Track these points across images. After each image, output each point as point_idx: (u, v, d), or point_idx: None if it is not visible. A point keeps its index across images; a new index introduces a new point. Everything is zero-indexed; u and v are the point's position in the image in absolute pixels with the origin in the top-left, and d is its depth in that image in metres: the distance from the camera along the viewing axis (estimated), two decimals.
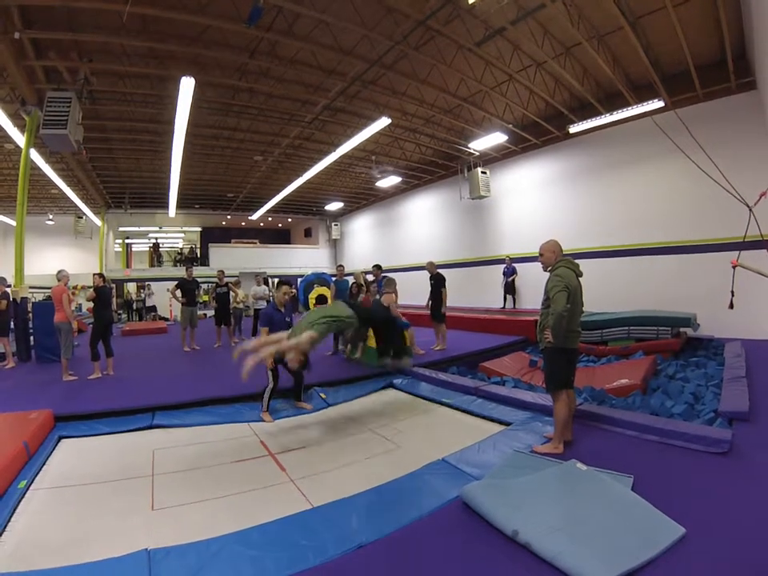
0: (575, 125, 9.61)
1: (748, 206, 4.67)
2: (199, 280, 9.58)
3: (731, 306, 4.69)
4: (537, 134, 11.34)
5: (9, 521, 2.65)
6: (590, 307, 8.24)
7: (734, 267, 4.52)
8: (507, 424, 4.05)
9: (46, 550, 2.35)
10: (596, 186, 10.74)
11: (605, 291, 9.15)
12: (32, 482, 3.20)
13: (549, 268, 3.46)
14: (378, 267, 8.12)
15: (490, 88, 9.17)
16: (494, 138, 10.89)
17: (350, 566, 2.05)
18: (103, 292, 6.38)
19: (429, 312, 7.81)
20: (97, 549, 2.31)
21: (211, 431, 4.32)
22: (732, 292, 4.63)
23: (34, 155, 9.48)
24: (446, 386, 5.40)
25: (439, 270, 7.89)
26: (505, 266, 12.55)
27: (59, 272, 6.38)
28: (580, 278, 3.42)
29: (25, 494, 3.02)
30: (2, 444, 3.42)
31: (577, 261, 3.50)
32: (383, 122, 9.33)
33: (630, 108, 8.62)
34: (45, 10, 6.13)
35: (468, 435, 3.84)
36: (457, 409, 4.70)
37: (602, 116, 9.12)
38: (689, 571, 1.86)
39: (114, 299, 13.55)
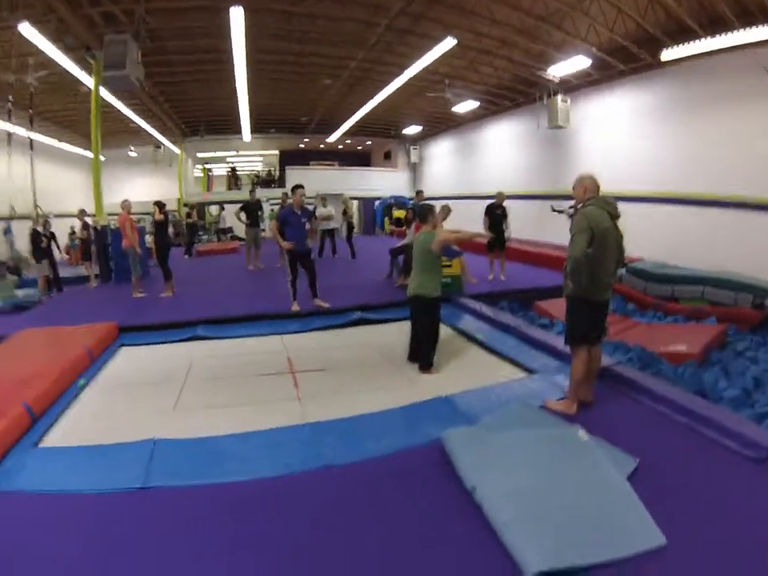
0: (669, 49, 8.07)
1: None
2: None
3: None
4: (624, 59, 9.73)
5: (67, 409, 3.34)
6: (662, 258, 7.43)
7: None
8: (532, 371, 3.78)
9: (83, 434, 2.93)
10: (692, 124, 9.14)
11: (680, 243, 8.08)
12: (90, 381, 3.89)
13: (579, 205, 3.12)
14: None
15: (570, 6, 7.97)
16: (576, 63, 9.60)
17: (311, 481, 2.29)
18: (161, 223, 7.05)
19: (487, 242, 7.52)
20: (122, 436, 2.79)
21: (247, 344, 4.90)
22: None
23: (108, 94, 10.09)
24: (486, 321, 5.17)
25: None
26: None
27: (123, 201, 7.09)
28: (617, 221, 3.03)
29: (83, 389, 3.71)
30: (68, 350, 4.16)
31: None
32: (449, 42, 8.74)
33: (735, 32, 6.90)
34: None
35: (488, 377, 3.65)
36: (487, 347, 4.45)
37: (702, 39, 7.48)
38: None
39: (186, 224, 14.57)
